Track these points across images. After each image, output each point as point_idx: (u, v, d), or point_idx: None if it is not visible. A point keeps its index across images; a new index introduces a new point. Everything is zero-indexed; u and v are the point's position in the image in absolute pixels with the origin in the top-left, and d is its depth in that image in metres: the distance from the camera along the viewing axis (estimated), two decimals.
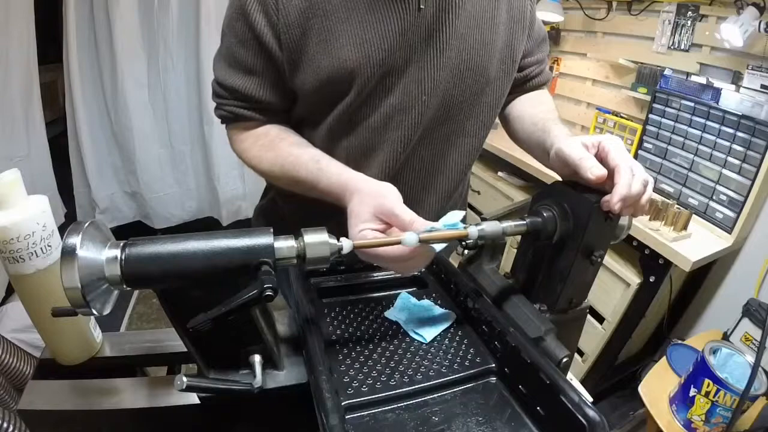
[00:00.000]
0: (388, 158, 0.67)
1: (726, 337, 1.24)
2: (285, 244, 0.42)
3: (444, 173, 0.73)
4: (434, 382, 0.47)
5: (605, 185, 0.50)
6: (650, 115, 1.62)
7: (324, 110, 0.66)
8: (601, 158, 0.51)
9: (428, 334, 0.54)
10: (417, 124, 0.65)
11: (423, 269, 0.67)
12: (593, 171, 0.49)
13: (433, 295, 0.62)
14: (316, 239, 0.42)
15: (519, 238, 0.58)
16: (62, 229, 0.42)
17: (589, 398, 0.50)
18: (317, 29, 0.59)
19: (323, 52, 0.60)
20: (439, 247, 0.47)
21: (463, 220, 0.49)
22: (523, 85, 0.79)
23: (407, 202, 0.73)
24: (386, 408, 0.45)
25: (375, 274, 0.65)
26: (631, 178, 0.48)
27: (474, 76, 0.66)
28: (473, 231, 0.48)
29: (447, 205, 0.78)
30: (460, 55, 0.64)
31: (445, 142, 0.70)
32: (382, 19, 0.59)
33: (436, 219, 0.48)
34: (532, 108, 0.76)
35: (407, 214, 0.48)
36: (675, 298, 1.53)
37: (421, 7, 0.59)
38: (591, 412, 0.37)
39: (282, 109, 0.69)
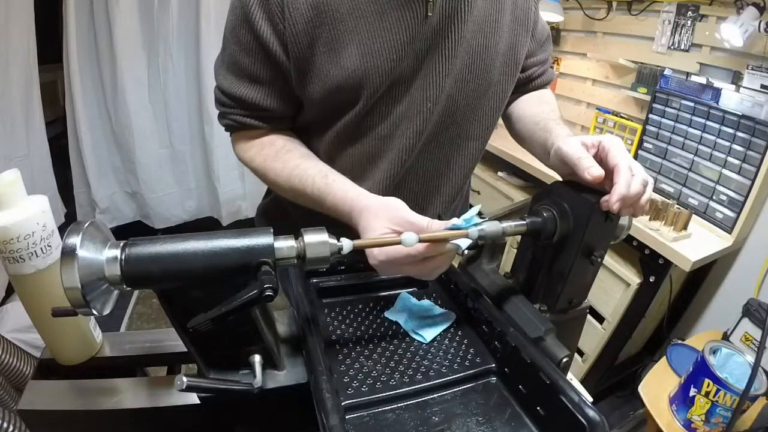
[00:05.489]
0: (392, 165, 0.67)
1: (726, 337, 1.24)
2: (285, 244, 0.42)
3: (448, 177, 0.73)
4: (434, 382, 0.47)
5: (604, 185, 0.50)
6: (650, 115, 1.62)
7: (331, 118, 0.66)
8: (600, 158, 0.51)
9: (428, 334, 0.54)
10: (421, 131, 0.65)
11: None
12: (591, 171, 0.49)
13: (433, 295, 0.62)
14: (316, 239, 0.42)
15: (519, 238, 0.58)
16: (62, 229, 0.42)
17: (589, 398, 0.50)
18: (325, 38, 0.58)
19: (331, 62, 0.59)
20: (464, 243, 0.47)
21: (479, 214, 0.50)
22: (526, 86, 0.79)
23: (412, 207, 0.73)
24: (386, 408, 0.45)
25: (375, 274, 0.65)
26: (630, 177, 0.48)
27: (477, 80, 0.66)
28: (473, 231, 0.48)
29: (450, 208, 0.78)
30: (464, 60, 0.63)
31: (449, 147, 0.70)
32: (390, 28, 0.58)
33: (437, 216, 0.48)
34: (535, 107, 0.75)
35: (422, 219, 0.48)
36: (675, 298, 1.53)
37: (429, 14, 0.59)
38: (591, 412, 0.37)
39: (288, 116, 0.68)
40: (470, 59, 0.64)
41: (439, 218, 0.49)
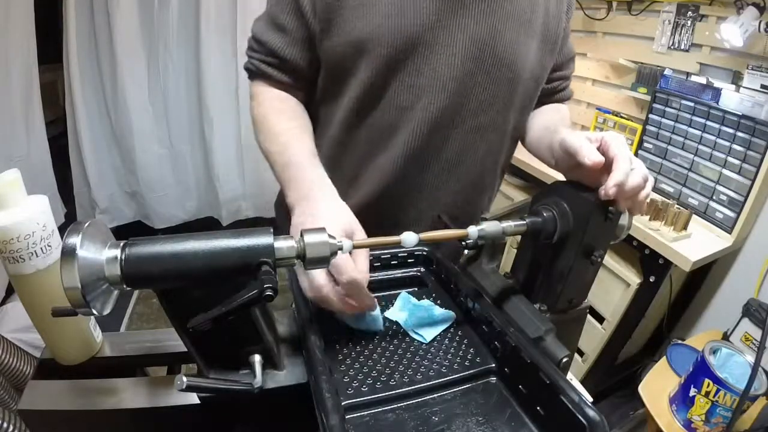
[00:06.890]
0: (409, 139, 0.68)
1: (726, 337, 1.24)
2: (285, 244, 0.42)
3: (470, 166, 0.74)
4: (434, 382, 0.47)
5: (604, 180, 0.50)
6: (650, 115, 1.62)
7: (349, 80, 0.67)
8: (602, 152, 0.51)
9: (428, 334, 0.54)
10: (443, 108, 0.66)
11: (422, 269, 0.67)
12: (590, 157, 0.49)
13: (433, 295, 0.62)
14: (316, 239, 0.42)
15: (519, 238, 0.58)
16: (62, 229, 0.42)
17: (589, 398, 0.50)
18: None
19: (358, 15, 0.62)
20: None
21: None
22: (550, 97, 0.81)
23: (431, 187, 0.75)
24: (386, 408, 0.45)
25: (375, 274, 0.65)
26: (629, 169, 0.48)
27: (507, 74, 0.68)
28: (473, 231, 0.48)
29: (472, 199, 0.78)
30: (495, 50, 0.65)
31: (474, 135, 0.71)
32: None
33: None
34: (548, 115, 0.78)
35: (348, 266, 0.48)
36: (675, 298, 1.53)
37: None
38: (591, 412, 0.37)
39: (305, 72, 0.70)
40: (502, 50, 0.66)
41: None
